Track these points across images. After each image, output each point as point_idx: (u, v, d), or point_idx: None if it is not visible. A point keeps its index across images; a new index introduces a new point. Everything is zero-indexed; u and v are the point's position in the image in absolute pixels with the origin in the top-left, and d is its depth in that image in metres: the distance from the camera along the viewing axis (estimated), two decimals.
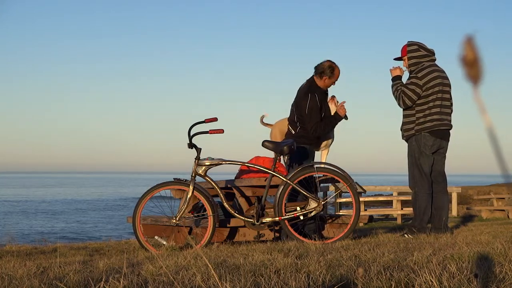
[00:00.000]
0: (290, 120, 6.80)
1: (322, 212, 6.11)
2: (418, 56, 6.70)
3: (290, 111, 6.83)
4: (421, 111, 6.60)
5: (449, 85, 6.71)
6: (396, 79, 6.78)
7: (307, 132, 6.58)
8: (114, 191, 72.03)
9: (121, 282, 2.91)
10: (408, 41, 6.82)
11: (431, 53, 6.74)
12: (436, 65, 6.71)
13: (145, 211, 6.08)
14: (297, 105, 6.67)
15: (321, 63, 6.68)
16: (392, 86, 6.78)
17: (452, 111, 6.76)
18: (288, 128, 6.81)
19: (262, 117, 7.91)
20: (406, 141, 6.82)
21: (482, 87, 0.93)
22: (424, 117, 6.58)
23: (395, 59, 6.92)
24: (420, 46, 6.74)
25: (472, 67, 0.93)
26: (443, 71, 6.71)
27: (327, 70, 6.60)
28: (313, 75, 6.72)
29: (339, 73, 6.69)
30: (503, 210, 16.88)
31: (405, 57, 6.77)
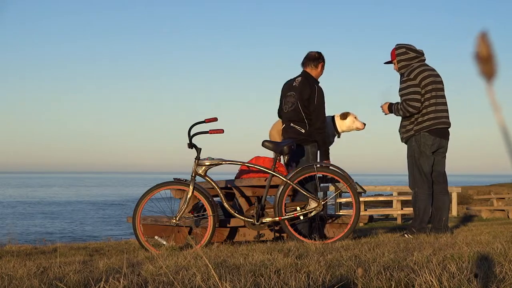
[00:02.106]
0: (297, 119, 6.53)
1: (322, 212, 6.11)
2: (407, 58, 6.71)
3: (291, 110, 6.56)
4: (418, 111, 6.60)
5: (441, 83, 6.72)
6: (392, 107, 6.78)
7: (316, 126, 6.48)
8: (114, 191, 72.01)
9: (121, 282, 2.91)
10: (396, 44, 6.84)
11: (420, 53, 6.75)
12: (426, 65, 6.73)
13: (145, 211, 6.08)
14: (301, 98, 6.49)
15: (307, 55, 6.74)
16: (394, 112, 6.75)
17: (448, 108, 6.73)
18: (295, 128, 6.53)
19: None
20: (406, 143, 6.81)
21: (496, 83, 0.92)
22: (421, 116, 6.59)
23: (386, 63, 6.97)
24: (408, 48, 6.74)
25: (486, 64, 0.92)
26: (433, 70, 6.72)
27: (320, 57, 6.71)
28: (304, 69, 6.70)
29: None
30: (503, 210, 16.90)
31: (395, 61, 6.80)
